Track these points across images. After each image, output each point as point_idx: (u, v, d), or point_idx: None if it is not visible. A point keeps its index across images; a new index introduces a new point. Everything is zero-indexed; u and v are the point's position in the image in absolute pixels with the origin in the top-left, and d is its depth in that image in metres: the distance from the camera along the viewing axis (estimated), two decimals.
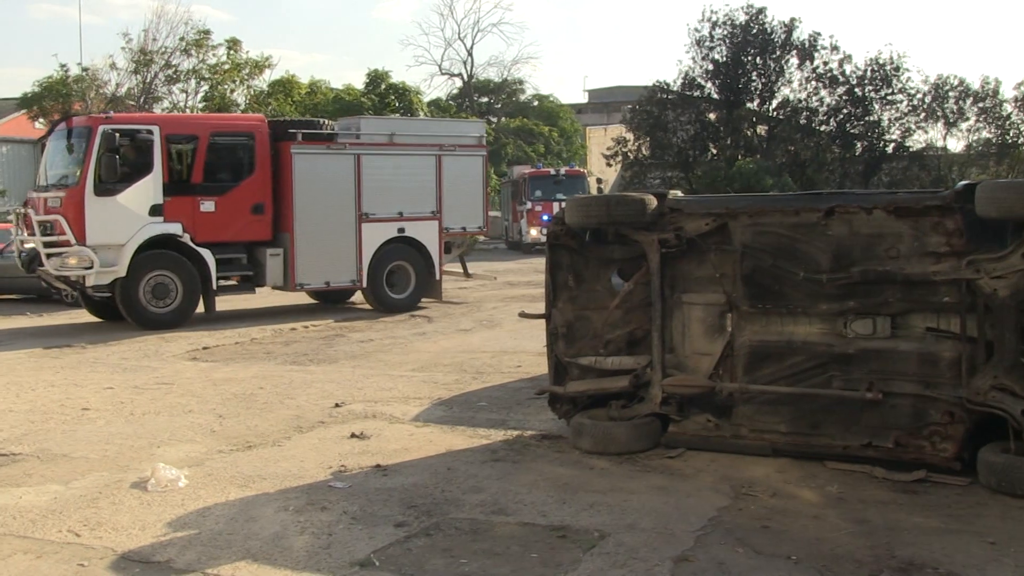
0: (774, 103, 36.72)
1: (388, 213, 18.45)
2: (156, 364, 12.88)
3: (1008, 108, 33.06)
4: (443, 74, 68.13)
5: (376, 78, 43.32)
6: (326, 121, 19.42)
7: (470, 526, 6.06)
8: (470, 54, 68.00)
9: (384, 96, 42.14)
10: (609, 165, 40.63)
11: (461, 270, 20.84)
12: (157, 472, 7.12)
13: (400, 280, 18.85)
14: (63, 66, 39.47)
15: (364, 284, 18.37)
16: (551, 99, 69.99)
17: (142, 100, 39.27)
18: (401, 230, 18.64)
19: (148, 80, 40.09)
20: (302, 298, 19.89)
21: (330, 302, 19.89)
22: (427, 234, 18.94)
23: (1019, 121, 32.68)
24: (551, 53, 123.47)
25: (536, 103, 69.33)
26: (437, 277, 19.27)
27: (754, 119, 36.58)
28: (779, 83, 36.23)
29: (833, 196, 7.62)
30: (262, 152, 17.46)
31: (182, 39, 40.12)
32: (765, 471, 7.04)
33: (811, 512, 6.19)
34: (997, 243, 6.73)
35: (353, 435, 8.44)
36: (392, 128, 19.24)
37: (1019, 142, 32.52)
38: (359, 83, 44.08)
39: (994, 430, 6.69)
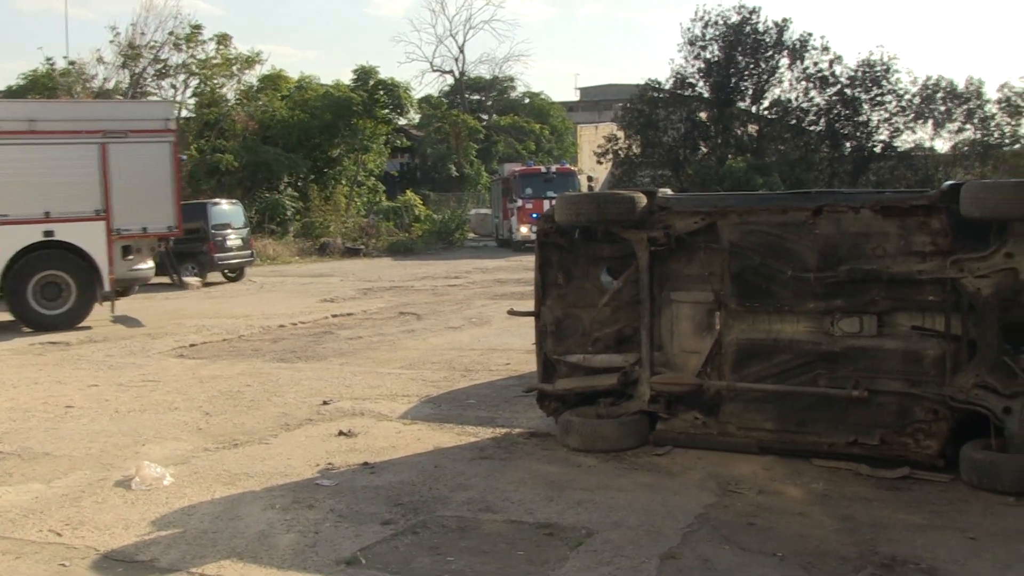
0: (765, 103, 36.82)
1: (29, 213, 15.73)
2: (142, 361, 12.85)
3: (991, 109, 33.22)
4: (434, 71, 68.30)
5: (364, 74, 43.27)
6: None
7: (457, 524, 6.07)
8: (461, 51, 68.24)
9: (373, 92, 42.11)
10: (600, 163, 40.74)
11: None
12: (142, 470, 7.11)
13: (55, 292, 16.12)
14: (49, 59, 39.38)
15: None
16: (542, 97, 70.13)
17: (131, 95, 39.17)
18: (49, 233, 15.88)
19: (136, 74, 39.98)
20: (294, 296, 19.83)
21: None
22: (89, 237, 16.04)
23: (1003, 123, 32.81)
24: (542, 51, 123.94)
25: (527, 100, 69.44)
26: (106, 288, 16.32)
27: (745, 118, 36.67)
28: (770, 83, 36.33)
29: (821, 195, 7.67)
30: None
31: (171, 33, 40.06)
32: (752, 468, 7.07)
33: (796, 509, 6.22)
34: (981, 243, 6.77)
35: (340, 433, 8.44)
36: (31, 113, 16.43)
37: (1003, 143, 32.64)
38: (350, 79, 44.07)
39: (976, 427, 6.73)
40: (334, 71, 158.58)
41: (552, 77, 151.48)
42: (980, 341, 6.78)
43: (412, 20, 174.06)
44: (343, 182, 42.55)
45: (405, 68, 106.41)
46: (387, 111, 43.14)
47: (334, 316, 17.61)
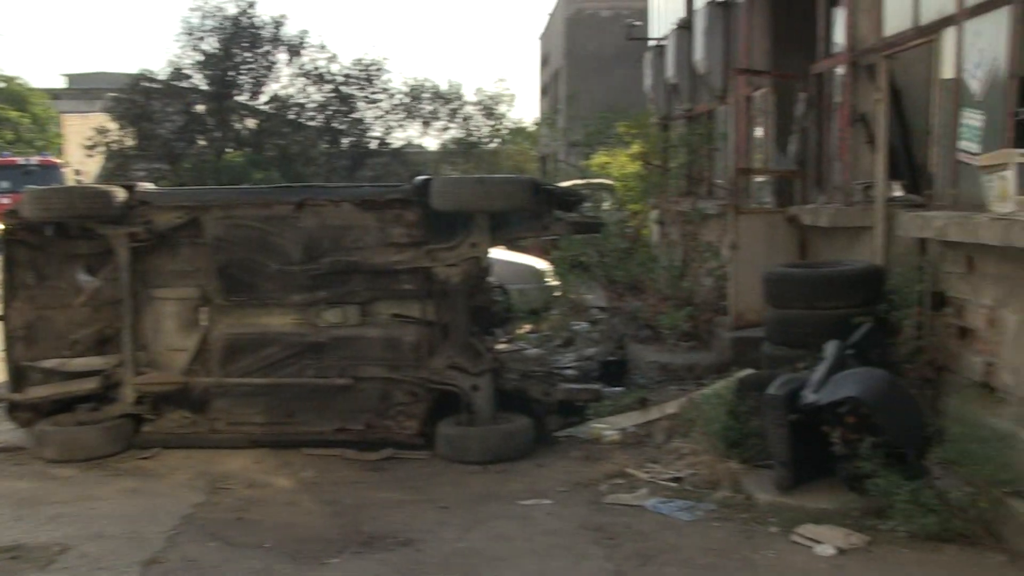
0: (264, 97, 36.77)
1: None
2: None
3: (471, 110, 36.07)
4: None
5: None
6: None
7: None
8: None
9: None
10: (91, 156, 38.18)
11: None
12: None
13: None
14: None
15: None
16: (19, 81, 64.12)
17: None
18: None
19: None
20: None
21: None
22: None
23: (481, 123, 35.79)
24: (17, 30, 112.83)
25: (2, 85, 63.18)
26: None
27: (244, 112, 36.36)
28: (269, 78, 36.34)
29: (303, 189, 7.83)
30: None
31: None
32: (243, 463, 7.04)
33: (286, 499, 6.31)
34: (450, 234, 7.32)
35: None
36: None
37: (481, 141, 35.63)
38: None
39: (452, 405, 7.28)
40: None
41: (32, 60, 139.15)
42: (451, 325, 7.34)
43: None
44: None
45: None
46: None
47: None
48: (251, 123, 36.28)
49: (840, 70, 8.59)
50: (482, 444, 6.98)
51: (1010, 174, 5.64)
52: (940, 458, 5.62)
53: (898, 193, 7.86)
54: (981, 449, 5.35)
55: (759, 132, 10.71)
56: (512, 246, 12.67)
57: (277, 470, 6.91)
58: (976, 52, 6.45)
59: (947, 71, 6.86)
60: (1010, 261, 5.78)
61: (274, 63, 35.98)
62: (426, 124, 36.46)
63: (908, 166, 8.49)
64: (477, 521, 5.80)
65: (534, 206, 7.29)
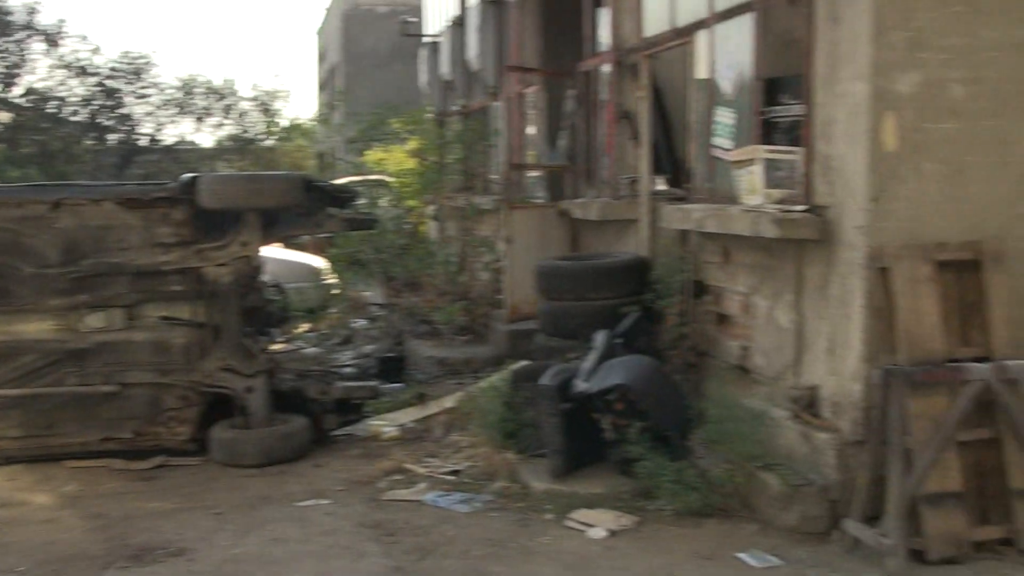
0: (19, 90, 34.54)
1: None
2: None
3: (246, 106, 35.17)
4: None
5: None
6: None
7: None
8: None
9: None
10: None
11: None
12: None
13: None
14: None
15: None
16: None
17: None
18: None
19: None
20: None
21: None
22: None
23: (257, 120, 34.95)
24: None
25: None
26: None
27: None
28: (24, 69, 34.15)
29: (60, 188, 7.44)
30: None
31: None
32: None
33: (44, 516, 5.96)
34: (220, 233, 7.12)
35: None
36: None
37: (257, 138, 34.81)
38: None
39: (227, 408, 7.08)
40: None
41: None
42: (224, 327, 7.15)
43: None
44: None
45: None
46: None
47: None
48: (6, 117, 34.04)
49: (606, 68, 8.89)
50: (258, 446, 6.83)
51: (758, 169, 6.00)
52: (702, 438, 5.94)
53: (662, 187, 8.21)
54: (737, 428, 5.70)
55: (532, 129, 10.94)
56: (288, 244, 12.49)
57: (36, 486, 6.52)
58: (726, 54, 6.82)
59: (702, 71, 7.22)
60: (760, 250, 6.16)
61: (28, 53, 33.87)
62: (200, 120, 35.24)
63: (671, 161, 8.89)
64: (253, 525, 5.67)
65: (306, 203, 7.19)
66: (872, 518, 5.01)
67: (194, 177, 7.20)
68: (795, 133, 6.06)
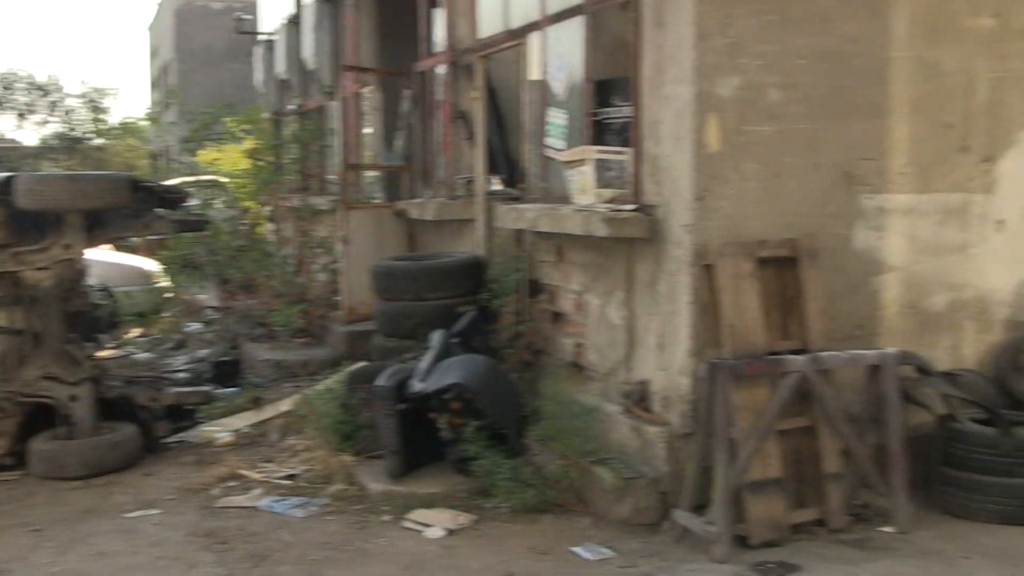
0: None
1: None
2: None
3: (74, 103, 33.83)
4: None
5: None
6: None
7: None
8: None
9: None
10: None
11: None
12: None
13: None
14: None
15: None
16: None
17: None
18: None
19: None
20: None
21: None
22: None
23: (86, 118, 33.66)
24: None
25: None
26: None
27: None
28: None
29: None
30: None
31: None
32: None
33: None
34: (41, 235, 6.81)
35: None
36: None
37: (86, 136, 33.51)
38: None
39: (50, 418, 6.78)
40: None
41: None
42: (44, 333, 6.84)
43: None
44: None
45: None
46: None
47: None
48: None
49: (441, 69, 8.91)
50: (82, 457, 6.55)
51: (588, 169, 6.13)
52: (538, 435, 6.01)
53: (497, 187, 8.28)
54: (571, 424, 5.79)
55: (368, 129, 10.86)
56: (118, 246, 12.04)
57: None
58: (558, 56, 6.94)
59: (535, 73, 7.32)
60: (592, 249, 6.29)
61: None
62: (22, 117, 33.63)
63: (506, 161, 8.97)
64: (75, 540, 5.43)
65: (133, 204, 6.96)
66: (700, 507, 5.17)
67: (9, 176, 6.84)
68: (626, 134, 6.20)
